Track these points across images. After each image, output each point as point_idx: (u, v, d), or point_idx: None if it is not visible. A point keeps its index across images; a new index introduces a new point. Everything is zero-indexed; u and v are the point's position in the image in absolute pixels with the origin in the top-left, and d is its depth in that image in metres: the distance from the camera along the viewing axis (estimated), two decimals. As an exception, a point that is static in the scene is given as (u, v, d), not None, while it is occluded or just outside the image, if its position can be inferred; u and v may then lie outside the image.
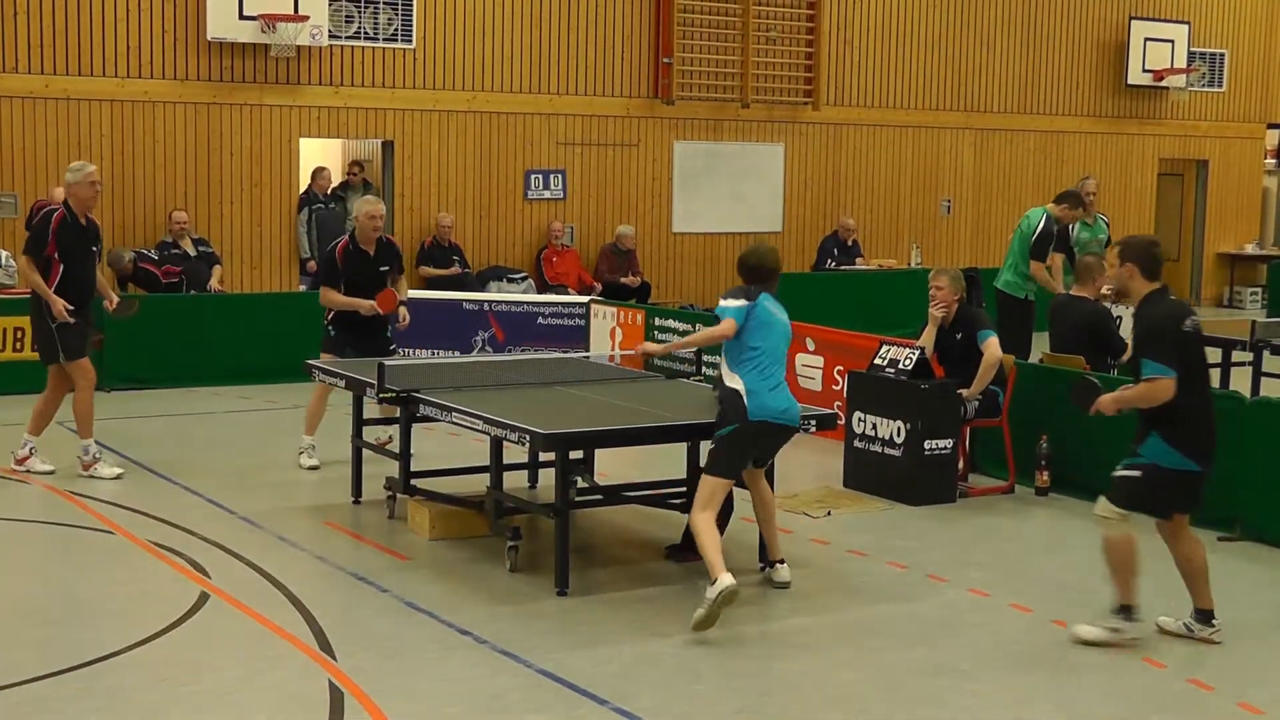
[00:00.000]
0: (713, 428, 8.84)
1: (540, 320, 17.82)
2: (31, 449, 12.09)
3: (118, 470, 12.02)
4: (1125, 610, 8.25)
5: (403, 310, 12.69)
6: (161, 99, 18.75)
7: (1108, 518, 8.26)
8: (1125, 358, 12.52)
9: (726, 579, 8.24)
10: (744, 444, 8.80)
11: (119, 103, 18.55)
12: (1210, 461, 8.25)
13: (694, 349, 10.57)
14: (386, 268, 12.59)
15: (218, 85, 19.03)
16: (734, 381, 8.77)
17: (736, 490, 9.24)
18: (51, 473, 11.93)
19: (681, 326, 16.44)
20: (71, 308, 11.76)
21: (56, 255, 11.77)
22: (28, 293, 12.16)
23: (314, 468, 12.40)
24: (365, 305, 12.27)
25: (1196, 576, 8.40)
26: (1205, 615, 8.41)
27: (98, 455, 12.04)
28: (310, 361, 11.71)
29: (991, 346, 11.66)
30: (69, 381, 12.08)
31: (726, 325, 8.80)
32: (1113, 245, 8.43)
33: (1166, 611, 8.53)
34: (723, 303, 8.94)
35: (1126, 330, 13.14)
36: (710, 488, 8.73)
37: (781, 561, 9.33)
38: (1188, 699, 7.57)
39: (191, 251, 18.30)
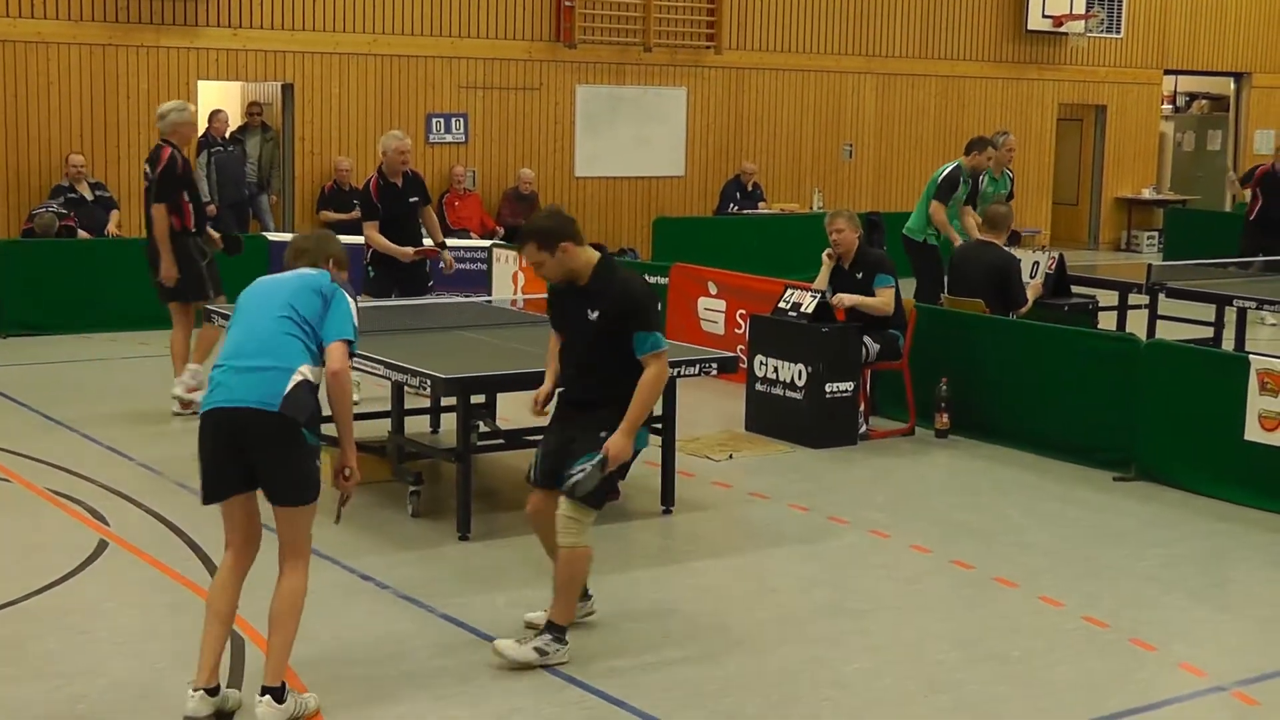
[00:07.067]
0: None
1: (442, 264, 17.71)
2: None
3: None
4: None
5: (446, 255, 13.27)
6: (55, 40, 18.42)
7: None
8: (1024, 310, 12.66)
9: None
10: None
11: (10, 43, 18.20)
12: None
13: None
14: (415, 199, 12.90)
15: (113, 26, 18.73)
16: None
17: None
18: None
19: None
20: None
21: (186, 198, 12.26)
22: None
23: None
24: (406, 254, 12.62)
25: None
26: None
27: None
28: (209, 307, 11.60)
29: (885, 296, 11.76)
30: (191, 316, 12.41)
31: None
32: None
33: None
34: None
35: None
36: None
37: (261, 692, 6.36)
38: (1083, 636, 7.69)
39: (88, 195, 18.04)
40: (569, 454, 7.12)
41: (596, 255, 7.17)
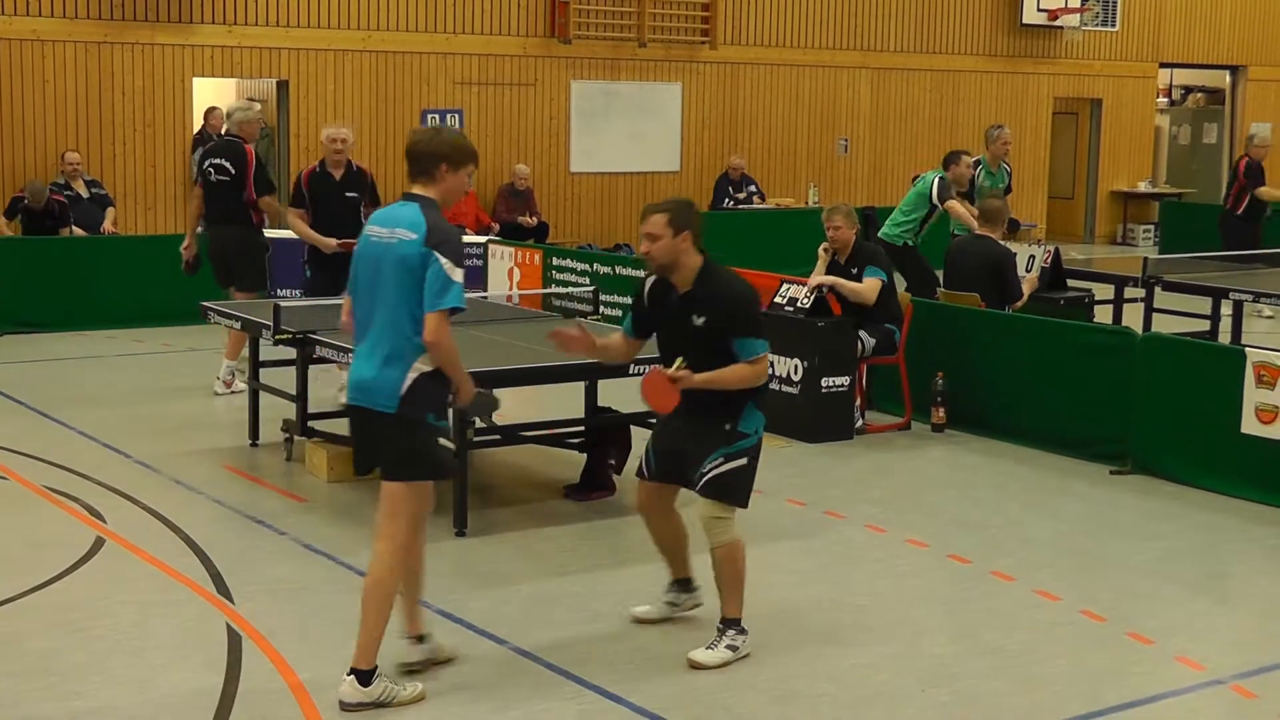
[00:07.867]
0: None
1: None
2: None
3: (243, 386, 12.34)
4: None
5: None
6: (51, 38, 18.42)
7: None
8: (1020, 304, 12.67)
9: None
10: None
11: (6, 41, 18.20)
12: None
13: None
14: (354, 194, 12.63)
15: (108, 24, 18.72)
16: None
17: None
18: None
19: (580, 266, 16.42)
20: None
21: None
22: None
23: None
24: (329, 244, 12.32)
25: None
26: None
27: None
28: (205, 303, 11.60)
29: (870, 284, 11.71)
30: None
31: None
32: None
33: None
34: None
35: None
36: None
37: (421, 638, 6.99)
38: (1080, 629, 7.69)
39: (84, 193, 18.04)
40: (689, 455, 7.16)
41: (701, 260, 7.16)
